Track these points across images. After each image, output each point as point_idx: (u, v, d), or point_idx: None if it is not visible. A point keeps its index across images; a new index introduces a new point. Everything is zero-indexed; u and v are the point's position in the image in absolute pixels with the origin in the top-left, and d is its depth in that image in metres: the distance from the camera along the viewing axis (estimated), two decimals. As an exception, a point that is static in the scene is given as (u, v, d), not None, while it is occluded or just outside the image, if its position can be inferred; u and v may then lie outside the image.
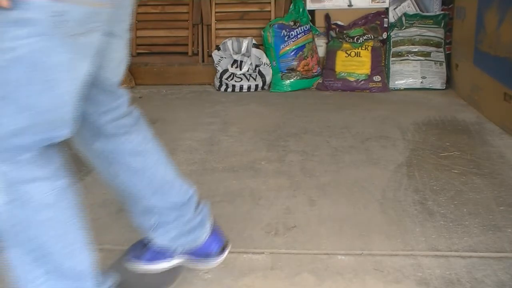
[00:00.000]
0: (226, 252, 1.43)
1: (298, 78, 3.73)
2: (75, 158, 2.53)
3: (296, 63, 3.73)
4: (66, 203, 1.10)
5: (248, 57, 3.77)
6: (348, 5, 3.91)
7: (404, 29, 3.77)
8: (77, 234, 1.13)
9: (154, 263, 1.37)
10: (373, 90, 3.64)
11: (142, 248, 1.38)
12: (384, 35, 3.81)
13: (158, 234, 1.33)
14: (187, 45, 4.07)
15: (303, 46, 3.76)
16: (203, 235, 1.38)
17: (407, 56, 3.71)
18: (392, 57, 3.73)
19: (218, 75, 3.81)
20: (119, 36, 1.17)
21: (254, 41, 3.78)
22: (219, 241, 1.42)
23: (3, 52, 0.91)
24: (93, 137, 1.21)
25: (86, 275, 1.10)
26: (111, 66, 1.16)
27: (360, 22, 3.84)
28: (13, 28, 0.90)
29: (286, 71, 3.74)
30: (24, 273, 1.06)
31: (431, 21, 3.76)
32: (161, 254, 1.37)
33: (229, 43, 3.80)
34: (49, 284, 1.06)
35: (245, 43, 3.75)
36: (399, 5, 3.87)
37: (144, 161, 1.29)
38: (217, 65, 3.82)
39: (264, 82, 3.73)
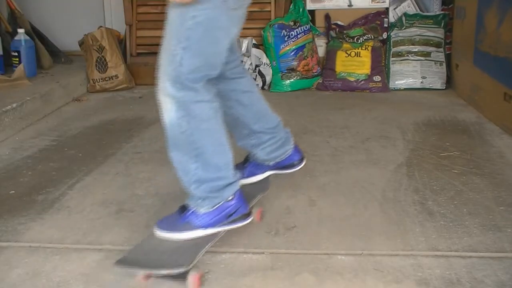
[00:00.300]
0: (304, 162, 1.91)
1: (298, 78, 3.73)
2: (75, 158, 2.55)
3: (296, 63, 3.73)
4: (218, 118, 1.54)
5: (248, 57, 3.77)
6: (348, 5, 3.91)
7: (404, 29, 3.77)
8: (223, 140, 1.56)
9: (253, 177, 1.86)
10: (373, 90, 3.64)
11: (241, 168, 1.84)
12: (384, 35, 3.81)
13: (258, 150, 1.81)
14: (187, 45, 4.06)
15: (303, 46, 3.76)
16: (289, 149, 1.86)
17: (407, 56, 3.71)
18: (392, 57, 3.74)
19: (218, 75, 3.81)
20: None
21: (254, 41, 3.78)
22: (299, 154, 1.91)
23: (190, 19, 1.42)
24: (217, 79, 1.60)
25: (226, 168, 1.56)
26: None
27: (360, 22, 3.84)
28: (196, 3, 1.40)
29: (286, 71, 3.74)
30: (184, 167, 1.53)
31: (431, 21, 3.76)
32: (258, 168, 1.87)
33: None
34: (201, 173, 1.52)
35: (245, 43, 3.75)
36: (399, 5, 3.87)
37: (250, 97, 1.76)
38: (217, 65, 3.81)
39: (264, 82, 3.73)
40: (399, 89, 3.68)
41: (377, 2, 3.88)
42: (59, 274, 1.50)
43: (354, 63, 3.70)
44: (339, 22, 3.88)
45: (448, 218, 1.79)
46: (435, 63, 3.68)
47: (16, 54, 3.57)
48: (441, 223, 1.75)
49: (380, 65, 3.70)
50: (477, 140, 2.60)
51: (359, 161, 2.34)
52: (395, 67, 3.71)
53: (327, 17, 3.91)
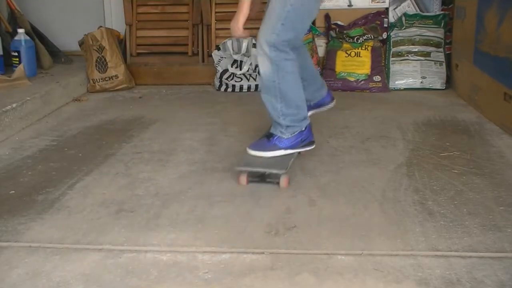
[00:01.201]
0: (334, 102, 2.51)
1: (298, 78, 3.73)
2: (75, 158, 2.55)
3: (296, 63, 3.73)
4: (297, 72, 2.15)
5: (248, 57, 3.77)
6: (348, 5, 3.91)
7: (404, 29, 3.77)
8: (300, 87, 2.17)
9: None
10: (373, 90, 3.64)
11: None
12: (384, 35, 3.81)
13: (305, 92, 2.24)
14: (187, 45, 4.07)
15: (303, 46, 3.75)
16: (324, 91, 2.47)
17: (407, 56, 3.71)
18: (392, 57, 3.74)
19: (218, 75, 3.81)
20: None
21: (254, 41, 3.77)
22: (331, 96, 2.51)
23: (290, 5, 2.01)
24: (295, 47, 2.15)
25: (302, 107, 2.20)
26: None
27: (360, 22, 3.84)
28: None
29: (286, 71, 3.73)
30: (273, 105, 2.15)
31: (431, 21, 3.76)
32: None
33: (229, 43, 3.79)
34: (285, 110, 2.14)
35: (245, 43, 3.75)
36: (399, 5, 3.87)
37: (305, 61, 2.33)
38: (217, 65, 3.82)
39: (264, 82, 3.73)
40: (399, 89, 3.68)
41: (377, 2, 3.88)
42: (59, 274, 1.50)
43: (354, 63, 3.70)
44: (339, 22, 3.88)
45: (448, 218, 1.79)
46: (435, 63, 3.68)
47: (16, 54, 3.57)
48: (441, 223, 1.75)
49: (380, 65, 3.70)
50: (477, 140, 2.60)
51: (359, 161, 2.34)
52: (395, 67, 3.71)
53: (327, 17, 3.91)
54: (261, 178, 2.13)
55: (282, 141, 2.18)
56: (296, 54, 2.14)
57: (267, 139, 2.20)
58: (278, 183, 2.08)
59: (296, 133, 2.18)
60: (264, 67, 2.10)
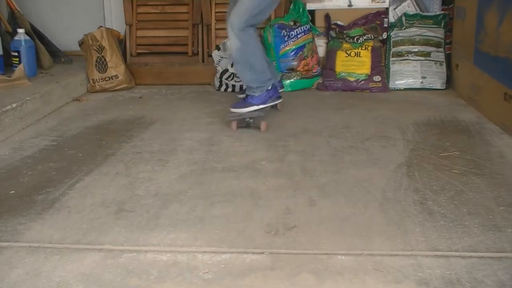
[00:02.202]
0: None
1: (298, 78, 3.73)
2: (75, 158, 2.54)
3: (296, 63, 3.73)
4: (260, 47, 2.92)
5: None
6: (348, 5, 3.91)
7: (404, 29, 3.77)
8: (262, 56, 2.89)
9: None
10: (373, 90, 3.64)
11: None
12: (384, 35, 3.81)
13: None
14: (187, 45, 4.07)
15: (303, 46, 3.76)
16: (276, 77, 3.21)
17: (407, 56, 3.71)
18: (392, 57, 3.73)
19: (218, 75, 3.81)
20: None
21: None
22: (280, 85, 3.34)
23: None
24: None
25: (266, 71, 2.86)
26: None
27: (360, 22, 3.84)
28: None
29: (286, 71, 3.74)
30: (244, 73, 2.85)
31: (431, 21, 3.76)
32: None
33: (228, 43, 3.79)
34: (253, 75, 2.81)
35: None
36: (399, 5, 3.87)
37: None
38: (217, 65, 3.82)
39: (264, 82, 3.73)
40: (399, 89, 3.68)
41: (377, 2, 3.88)
42: (59, 274, 1.50)
43: (354, 63, 3.70)
44: (339, 22, 3.88)
45: (448, 218, 1.79)
46: (435, 63, 3.68)
47: (16, 54, 3.57)
48: (441, 223, 1.75)
49: (380, 65, 3.70)
50: (477, 140, 2.60)
51: (359, 161, 2.34)
52: (395, 67, 3.71)
53: (327, 17, 3.91)
54: (247, 124, 2.85)
55: (254, 98, 2.85)
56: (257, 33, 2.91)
57: (243, 99, 2.91)
58: (259, 128, 2.80)
59: (264, 91, 2.85)
60: (235, 45, 2.77)
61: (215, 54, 3.84)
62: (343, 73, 3.70)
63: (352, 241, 1.66)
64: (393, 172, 2.20)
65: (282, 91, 3.22)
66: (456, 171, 2.20)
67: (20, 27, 3.67)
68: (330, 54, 3.81)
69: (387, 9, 3.88)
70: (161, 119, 3.08)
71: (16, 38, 3.59)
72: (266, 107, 2.89)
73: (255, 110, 2.83)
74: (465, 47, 3.36)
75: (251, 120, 2.84)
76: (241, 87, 3.74)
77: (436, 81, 3.65)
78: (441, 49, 3.72)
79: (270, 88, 2.87)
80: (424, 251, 1.59)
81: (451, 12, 3.74)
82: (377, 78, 3.65)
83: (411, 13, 3.80)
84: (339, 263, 1.53)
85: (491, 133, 2.68)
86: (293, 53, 3.72)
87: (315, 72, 3.80)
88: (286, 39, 3.72)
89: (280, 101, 2.99)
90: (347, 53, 3.73)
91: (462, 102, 3.32)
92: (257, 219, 1.82)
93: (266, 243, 1.66)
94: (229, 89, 3.76)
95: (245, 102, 2.86)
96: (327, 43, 3.92)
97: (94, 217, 1.85)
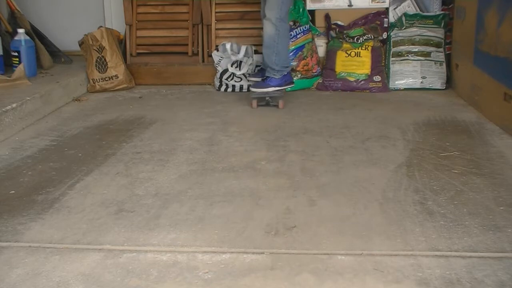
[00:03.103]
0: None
1: (297, 78, 3.73)
2: (75, 158, 2.54)
3: (295, 63, 3.73)
4: (288, 36, 3.42)
5: (248, 57, 3.77)
6: (348, 5, 3.90)
7: (404, 29, 3.77)
8: (287, 45, 3.38)
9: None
10: (373, 90, 3.64)
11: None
12: (384, 35, 3.81)
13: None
14: (187, 45, 4.07)
15: (303, 46, 3.76)
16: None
17: (407, 56, 3.71)
18: (392, 57, 3.73)
19: (218, 75, 3.81)
20: None
21: (254, 48, 3.78)
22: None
23: None
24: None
25: (288, 59, 3.39)
26: None
27: (360, 22, 3.84)
28: None
29: (286, 71, 3.74)
30: (270, 57, 3.25)
31: (431, 21, 3.76)
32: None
33: (228, 45, 3.79)
34: (277, 59, 3.25)
35: (243, 48, 3.76)
36: (399, 5, 3.87)
37: None
38: (217, 65, 3.82)
39: (264, 82, 3.74)
40: (399, 89, 3.68)
41: (377, 2, 3.88)
42: (59, 274, 1.50)
43: (354, 63, 3.70)
44: (339, 22, 3.88)
45: (448, 218, 1.79)
46: (435, 63, 3.68)
47: (16, 54, 3.57)
48: (441, 223, 1.75)
49: (380, 65, 3.70)
50: (477, 140, 2.60)
51: (359, 161, 2.34)
52: (395, 67, 3.71)
53: (327, 17, 3.91)
54: (266, 102, 3.32)
55: (273, 80, 3.26)
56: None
57: (263, 81, 3.30)
58: (277, 105, 3.28)
59: (282, 75, 3.27)
60: (269, 31, 3.18)
61: (215, 54, 3.84)
62: (343, 73, 3.70)
63: (352, 241, 1.66)
64: (393, 172, 2.20)
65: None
66: (456, 171, 2.20)
67: (20, 27, 3.67)
68: (330, 54, 3.81)
69: (387, 9, 3.88)
70: (161, 119, 3.08)
71: (16, 38, 3.59)
72: (282, 89, 3.32)
73: (275, 91, 3.28)
74: (465, 47, 3.36)
75: (270, 99, 3.30)
76: (241, 87, 3.74)
77: (436, 81, 3.65)
78: (441, 49, 3.72)
79: (286, 73, 3.31)
80: (424, 251, 1.59)
81: (451, 12, 3.74)
82: (377, 78, 3.65)
83: (411, 13, 3.80)
84: (339, 263, 1.53)
85: (491, 133, 2.68)
86: (292, 53, 3.72)
87: (315, 72, 3.80)
88: (286, 39, 3.72)
89: (292, 85, 3.41)
90: (347, 53, 3.73)
91: (462, 102, 3.32)
92: (257, 219, 1.82)
93: (266, 243, 1.66)
94: (229, 89, 3.76)
95: (264, 83, 3.28)
96: (327, 43, 3.92)
97: (94, 217, 1.85)
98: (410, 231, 1.70)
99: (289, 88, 3.68)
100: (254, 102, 3.30)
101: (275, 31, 3.15)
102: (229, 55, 3.77)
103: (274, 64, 3.23)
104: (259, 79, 3.38)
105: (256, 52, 3.80)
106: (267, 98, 3.30)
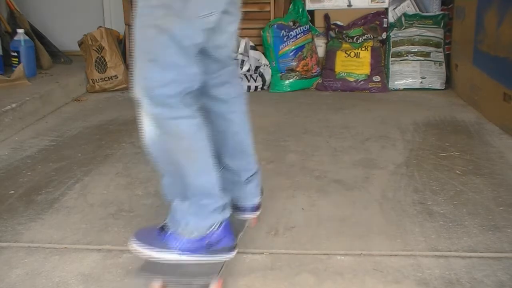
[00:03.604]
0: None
1: (297, 78, 3.73)
2: (74, 158, 2.54)
3: (295, 63, 3.73)
4: (200, 136, 1.38)
5: (248, 57, 3.77)
6: (348, 5, 3.91)
7: (404, 29, 3.77)
8: (207, 160, 1.40)
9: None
10: (373, 90, 3.64)
11: None
12: (384, 35, 3.81)
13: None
14: (186, 45, 4.06)
15: (303, 46, 3.76)
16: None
17: (407, 56, 3.71)
18: (391, 57, 3.74)
19: (217, 75, 3.80)
20: (232, 14, 1.48)
21: (251, 43, 3.77)
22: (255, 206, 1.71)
23: (153, 27, 1.31)
24: (201, 95, 1.46)
25: (214, 191, 1.42)
26: (223, 38, 1.49)
27: (359, 22, 3.84)
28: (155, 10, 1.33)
29: (285, 71, 3.74)
30: (169, 187, 1.50)
31: (431, 21, 3.76)
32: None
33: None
34: (187, 193, 1.40)
35: (242, 42, 3.75)
36: (399, 5, 3.87)
37: (227, 127, 1.58)
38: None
39: (264, 83, 3.73)
40: (399, 89, 3.68)
41: (377, 2, 3.88)
42: (58, 274, 1.50)
43: (354, 63, 3.70)
44: (338, 22, 3.88)
45: (448, 218, 1.79)
46: (434, 63, 3.68)
47: (15, 54, 3.57)
48: (441, 223, 1.75)
49: (380, 65, 3.70)
50: (476, 140, 2.60)
51: (359, 161, 2.34)
52: (395, 67, 3.71)
53: (327, 17, 3.91)
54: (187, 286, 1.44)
55: (179, 240, 1.41)
56: (208, 99, 1.52)
57: (159, 230, 1.45)
58: None
59: (205, 232, 1.41)
60: (147, 129, 1.43)
61: (215, 54, 3.83)
62: (343, 73, 3.70)
63: (352, 241, 1.66)
64: (392, 172, 2.20)
65: (254, 215, 1.70)
66: (455, 171, 2.20)
67: (20, 27, 3.67)
68: (330, 54, 3.81)
69: (386, 9, 3.88)
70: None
71: (15, 38, 3.58)
72: (201, 261, 1.43)
73: (177, 262, 1.42)
74: (464, 47, 3.36)
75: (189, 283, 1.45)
76: (244, 79, 3.74)
77: (436, 81, 3.65)
78: (441, 49, 3.72)
79: (216, 228, 1.43)
80: (423, 251, 1.59)
81: (451, 12, 3.74)
82: (376, 78, 3.66)
83: (410, 13, 3.80)
84: (338, 263, 1.53)
85: (490, 133, 2.68)
86: (292, 53, 3.72)
87: (315, 72, 3.80)
88: (285, 39, 3.72)
89: (231, 255, 1.46)
90: (346, 53, 3.74)
91: (461, 102, 3.32)
92: (256, 219, 1.81)
93: (266, 243, 1.66)
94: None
95: (160, 239, 1.44)
96: (326, 43, 3.92)
97: (93, 217, 1.85)
98: (409, 231, 1.71)
99: (289, 89, 3.61)
100: (161, 284, 1.41)
101: (154, 129, 1.40)
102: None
103: (179, 204, 1.43)
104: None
105: (252, 47, 3.76)
106: (183, 282, 1.43)
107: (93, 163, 2.37)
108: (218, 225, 1.42)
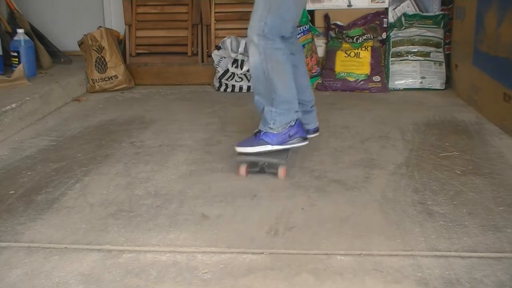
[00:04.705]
0: (316, 134, 2.45)
1: (297, 78, 3.73)
2: (74, 158, 2.54)
3: (295, 63, 3.73)
4: (289, 63, 2.11)
5: (248, 57, 3.76)
6: (348, 5, 3.91)
7: (404, 29, 3.77)
8: (291, 80, 2.11)
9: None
10: (373, 90, 3.64)
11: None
12: (384, 35, 3.81)
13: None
14: (186, 45, 4.07)
15: (303, 46, 3.75)
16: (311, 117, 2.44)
17: (407, 56, 3.72)
18: (391, 57, 3.74)
19: (218, 75, 3.81)
20: None
21: None
22: (314, 128, 2.45)
23: None
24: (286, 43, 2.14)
25: (293, 99, 2.13)
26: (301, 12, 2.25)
27: (359, 22, 3.84)
28: None
29: (285, 71, 3.73)
30: (263, 97, 2.14)
31: (431, 21, 3.77)
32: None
33: (228, 41, 3.79)
34: (275, 101, 2.10)
35: (243, 41, 3.75)
36: (399, 5, 3.87)
37: (296, 73, 2.20)
38: (217, 66, 3.81)
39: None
40: (399, 89, 3.68)
41: (377, 2, 3.88)
42: (58, 274, 1.50)
43: (354, 63, 3.70)
44: (338, 22, 3.88)
45: (448, 218, 1.79)
46: (434, 63, 3.68)
47: (15, 54, 3.57)
48: (441, 223, 1.75)
49: (380, 65, 3.70)
50: (476, 140, 2.60)
51: (359, 161, 2.34)
52: (395, 67, 3.71)
53: (327, 17, 3.91)
54: (261, 169, 2.16)
55: (269, 136, 2.12)
56: (287, 45, 2.12)
57: (254, 135, 2.16)
58: (276, 173, 2.13)
59: (286, 127, 2.12)
60: (253, 57, 2.09)
61: (215, 54, 3.84)
62: (343, 73, 3.70)
63: (352, 241, 1.66)
64: (392, 172, 2.20)
65: (316, 134, 2.44)
66: (455, 171, 2.20)
67: (20, 27, 3.67)
68: (330, 54, 3.81)
69: (386, 9, 3.88)
70: (160, 119, 3.08)
71: (15, 38, 3.59)
72: (286, 149, 2.17)
73: (273, 152, 2.14)
74: (464, 47, 3.36)
75: (265, 165, 2.16)
76: (240, 87, 3.74)
77: (436, 81, 3.66)
78: (441, 49, 3.72)
79: (293, 123, 2.13)
80: (423, 251, 1.59)
81: (451, 12, 3.74)
82: (376, 78, 3.66)
83: (410, 13, 3.80)
84: (338, 263, 1.53)
85: (490, 133, 2.68)
86: (292, 53, 3.72)
87: (315, 72, 3.80)
88: (285, 39, 3.72)
89: (305, 143, 2.18)
90: (346, 53, 3.74)
91: (461, 102, 3.32)
92: (256, 219, 1.82)
93: (265, 243, 1.66)
94: (229, 89, 3.76)
95: (255, 140, 2.15)
96: (326, 43, 3.92)
97: (93, 217, 1.85)
98: (409, 231, 1.71)
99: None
100: (242, 169, 2.16)
101: (258, 54, 2.06)
102: (229, 53, 3.77)
103: (266, 111, 2.13)
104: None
105: None
106: (260, 164, 2.17)
107: (93, 163, 2.37)
108: (294, 121, 2.13)
